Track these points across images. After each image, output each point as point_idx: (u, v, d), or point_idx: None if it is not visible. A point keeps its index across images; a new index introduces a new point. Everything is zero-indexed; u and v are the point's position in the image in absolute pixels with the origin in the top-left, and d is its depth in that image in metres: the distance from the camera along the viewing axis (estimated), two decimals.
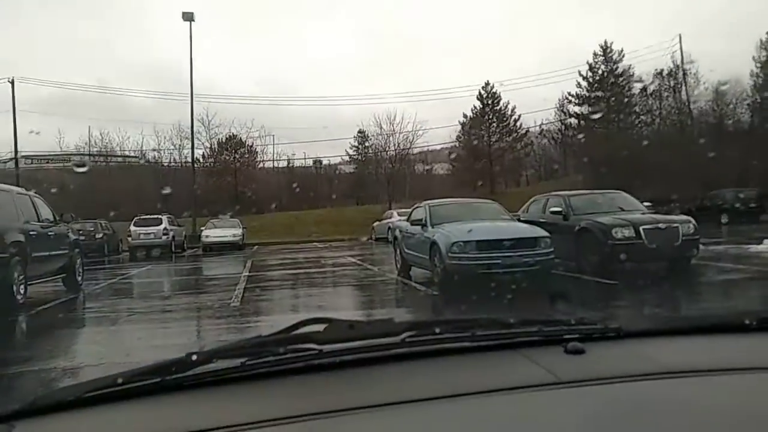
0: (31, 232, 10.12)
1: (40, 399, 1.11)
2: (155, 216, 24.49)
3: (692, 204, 25.07)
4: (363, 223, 30.77)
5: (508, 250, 9.22)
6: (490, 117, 45.06)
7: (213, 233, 25.30)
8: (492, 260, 9.10)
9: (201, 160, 42.98)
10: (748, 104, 36.94)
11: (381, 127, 44.53)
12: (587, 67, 42.80)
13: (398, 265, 12.14)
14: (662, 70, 39.08)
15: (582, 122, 43.34)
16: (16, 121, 33.83)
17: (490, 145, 44.27)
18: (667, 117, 39.69)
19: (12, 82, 33.73)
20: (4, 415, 1.06)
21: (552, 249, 9.56)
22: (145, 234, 23.89)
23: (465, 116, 45.70)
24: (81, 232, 15.52)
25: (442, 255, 9.44)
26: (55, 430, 1.02)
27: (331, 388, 1.15)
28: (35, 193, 11.64)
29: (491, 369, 1.24)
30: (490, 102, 45.07)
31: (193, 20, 31.46)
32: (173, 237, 24.68)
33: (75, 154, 44.00)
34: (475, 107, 45.35)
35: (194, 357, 1.15)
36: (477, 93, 45.15)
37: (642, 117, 41.10)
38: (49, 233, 10.90)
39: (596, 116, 40.91)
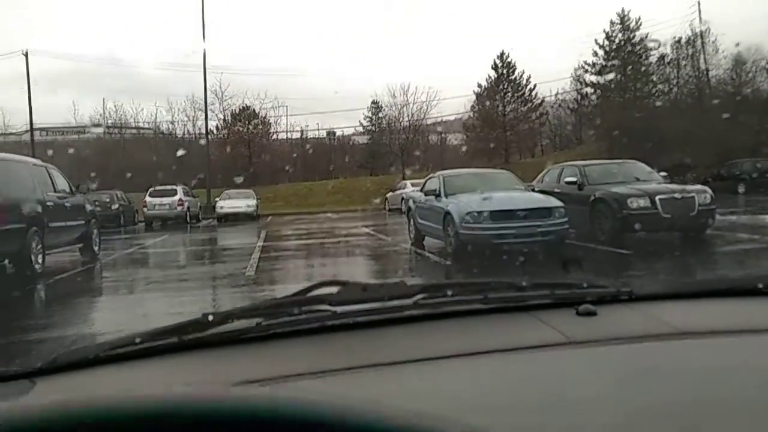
0: (48, 203, 10.22)
1: (61, 357, 1.13)
2: (170, 187, 24.60)
3: (709, 174, 24.77)
4: (376, 194, 30.78)
5: (522, 220, 9.20)
6: (505, 86, 44.55)
7: (228, 204, 25.40)
8: (506, 230, 9.08)
9: (215, 131, 42.98)
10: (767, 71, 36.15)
11: (394, 97, 44.23)
12: (604, 36, 42.07)
13: (411, 236, 12.15)
14: (680, 38, 38.36)
15: (598, 91, 42.73)
16: (30, 93, 34.01)
17: (504, 115, 43.84)
18: (685, 86, 39.02)
19: (26, 55, 33.81)
20: (26, 372, 1.09)
21: (566, 219, 9.54)
22: (160, 204, 24.02)
23: (480, 86, 45.28)
24: (97, 203, 15.62)
25: (456, 225, 9.43)
26: (75, 387, 1.04)
27: (344, 347, 1.16)
28: (51, 164, 11.73)
29: (503, 330, 1.25)
30: (505, 71, 44.51)
31: None
32: (188, 207, 24.80)
33: (89, 126, 44.18)
34: (489, 77, 44.87)
35: (210, 318, 1.17)
36: (492, 62, 44.66)
37: (659, 86, 40.43)
38: (66, 204, 11.01)
39: (612, 82, 40.24)
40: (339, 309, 1.21)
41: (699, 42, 37.70)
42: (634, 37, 41.22)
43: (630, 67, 40.79)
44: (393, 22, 73.78)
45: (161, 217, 23.81)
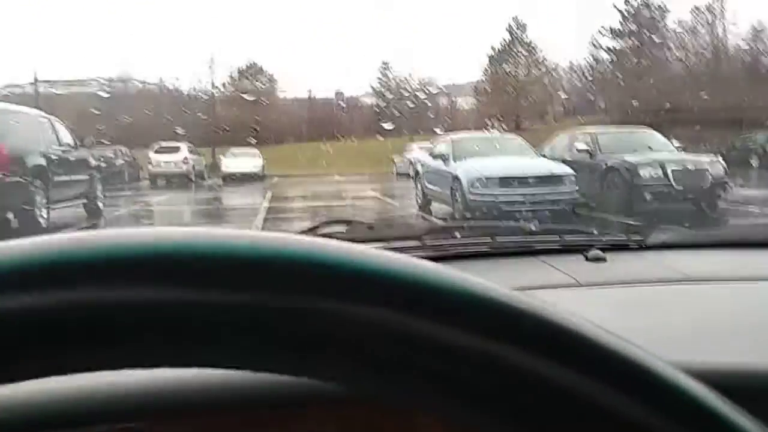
0: (53, 156, 10.12)
1: None
2: (175, 144, 24.46)
3: (723, 145, 24.47)
4: (384, 157, 30.56)
5: (531, 186, 9.09)
6: (519, 50, 43.92)
7: (232, 163, 25.29)
8: (515, 197, 8.96)
9: (221, 87, 42.63)
10: None
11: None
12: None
13: (419, 200, 12.04)
14: (698, 6, 37.59)
15: (614, 57, 42.07)
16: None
17: (517, 79, 43.31)
18: (702, 54, 38.37)
19: None
20: None
21: (576, 187, 9.43)
22: (165, 162, 23.91)
23: (493, 48, 44.64)
24: (101, 158, 15.53)
25: (464, 190, 9.31)
26: None
27: None
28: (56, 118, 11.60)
29: (510, 272, 1.25)
30: (519, 34, 43.84)
31: None
32: (193, 166, 24.70)
33: (94, 80, 43.81)
34: (504, 39, 44.21)
35: None
36: (506, 25, 43.94)
37: (676, 53, 39.78)
38: (70, 158, 10.91)
39: (628, 48, 39.60)
40: None
41: (718, 7, 36.94)
42: (652, 2, 40.42)
43: (646, 31, 40.09)
44: None
45: (166, 175, 23.69)
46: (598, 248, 1.29)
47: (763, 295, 1.07)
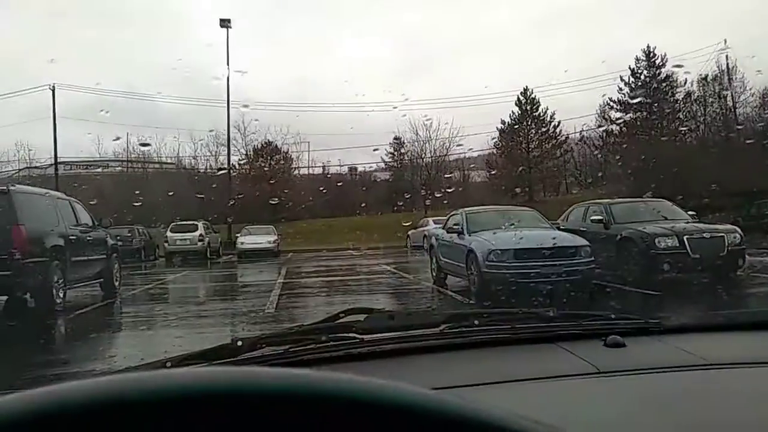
0: (71, 237, 10.27)
1: None
2: (191, 222, 24.77)
3: (738, 213, 24.32)
4: (398, 231, 30.61)
5: (547, 258, 9.00)
6: (529, 123, 44.59)
7: (248, 240, 25.46)
8: (530, 269, 8.88)
9: (237, 166, 43.42)
10: None
11: (417, 134, 44.40)
12: (629, 72, 41.98)
13: (434, 274, 11.98)
14: (707, 75, 38.17)
15: (624, 129, 42.49)
16: (56, 127, 34.62)
17: (528, 152, 43.76)
18: (712, 124, 38.71)
19: (53, 90, 34.47)
20: None
21: (592, 258, 9.34)
22: (181, 240, 24.18)
23: (503, 122, 45.36)
24: (118, 237, 15.71)
25: (479, 263, 9.26)
26: None
27: (371, 376, 1.09)
28: (75, 198, 11.83)
29: (530, 360, 1.25)
30: (528, 108, 44.60)
31: (230, 27, 31.85)
32: (209, 243, 24.92)
33: (113, 161, 44.86)
34: (513, 113, 44.97)
35: (239, 342, 1.20)
36: (516, 99, 44.78)
37: (686, 123, 40.15)
38: (88, 238, 11.06)
39: (637, 119, 40.01)
40: (366, 337, 1.23)
41: (726, 79, 37.48)
42: (659, 73, 41.10)
43: (656, 104, 40.61)
44: (415, 58, 74.55)
45: (182, 252, 23.90)
46: (616, 333, 1.29)
47: None
